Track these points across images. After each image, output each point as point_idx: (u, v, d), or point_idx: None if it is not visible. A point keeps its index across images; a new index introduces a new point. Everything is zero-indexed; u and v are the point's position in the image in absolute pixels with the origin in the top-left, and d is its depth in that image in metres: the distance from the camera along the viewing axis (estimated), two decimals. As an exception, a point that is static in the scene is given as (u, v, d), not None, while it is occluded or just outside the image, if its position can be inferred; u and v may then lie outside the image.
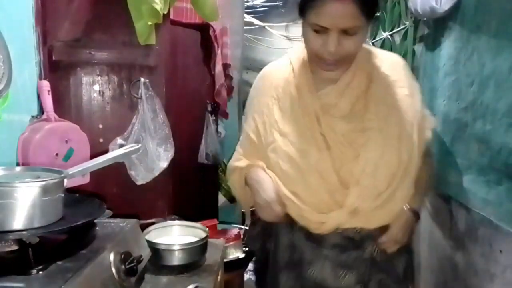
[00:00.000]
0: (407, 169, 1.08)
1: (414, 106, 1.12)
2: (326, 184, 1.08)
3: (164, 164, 1.49)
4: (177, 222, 1.30)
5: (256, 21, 5.10)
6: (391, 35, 2.16)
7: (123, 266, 0.78)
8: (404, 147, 1.08)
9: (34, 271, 0.65)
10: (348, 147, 1.09)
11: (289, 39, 5.10)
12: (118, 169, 1.39)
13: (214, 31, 2.02)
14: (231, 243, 1.58)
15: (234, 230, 1.74)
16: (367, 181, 1.07)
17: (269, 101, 1.17)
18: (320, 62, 1.08)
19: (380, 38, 2.29)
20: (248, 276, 2.07)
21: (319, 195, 1.09)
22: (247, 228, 1.54)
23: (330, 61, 1.05)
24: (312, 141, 1.10)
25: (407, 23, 1.90)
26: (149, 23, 1.36)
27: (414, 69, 1.77)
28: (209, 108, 2.18)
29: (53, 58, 1.35)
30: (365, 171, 1.07)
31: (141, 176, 1.46)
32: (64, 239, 0.78)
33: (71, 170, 0.84)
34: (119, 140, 1.44)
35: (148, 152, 1.46)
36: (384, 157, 1.07)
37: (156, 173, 1.47)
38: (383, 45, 2.23)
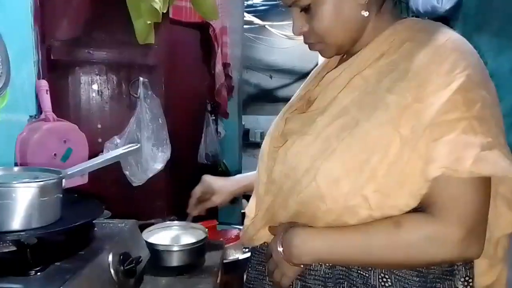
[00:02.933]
0: None
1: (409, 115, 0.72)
2: None
3: (159, 165, 1.47)
4: (176, 222, 1.29)
5: (256, 20, 5.10)
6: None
7: (122, 267, 0.78)
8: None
9: (33, 272, 0.65)
10: None
11: (289, 38, 5.09)
12: (116, 170, 1.39)
13: (214, 30, 2.02)
14: (230, 244, 1.57)
15: (234, 231, 1.73)
16: None
17: None
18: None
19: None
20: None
21: None
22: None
23: (307, 43, 0.87)
24: None
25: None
26: (148, 22, 1.35)
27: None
28: (209, 108, 2.17)
29: (52, 58, 1.34)
30: None
31: (135, 177, 1.45)
32: (63, 239, 0.78)
33: (69, 170, 0.83)
34: (116, 139, 1.43)
35: (143, 153, 1.44)
36: None
37: (150, 175, 1.45)
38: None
